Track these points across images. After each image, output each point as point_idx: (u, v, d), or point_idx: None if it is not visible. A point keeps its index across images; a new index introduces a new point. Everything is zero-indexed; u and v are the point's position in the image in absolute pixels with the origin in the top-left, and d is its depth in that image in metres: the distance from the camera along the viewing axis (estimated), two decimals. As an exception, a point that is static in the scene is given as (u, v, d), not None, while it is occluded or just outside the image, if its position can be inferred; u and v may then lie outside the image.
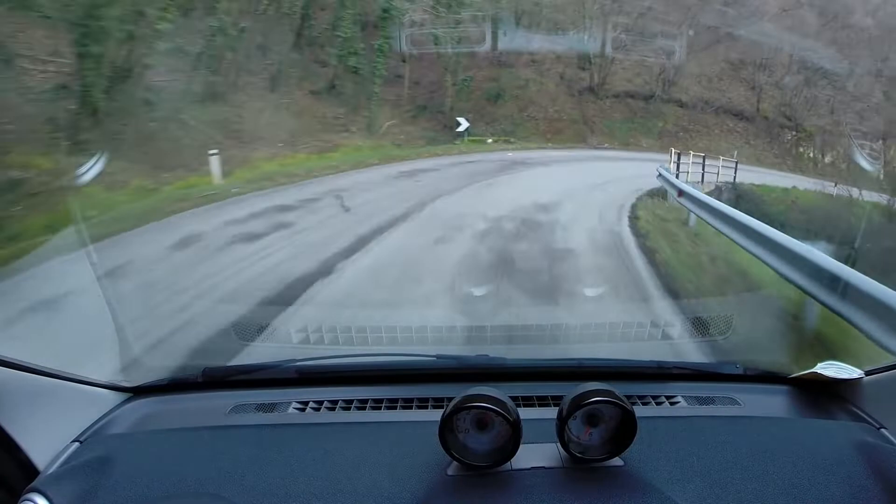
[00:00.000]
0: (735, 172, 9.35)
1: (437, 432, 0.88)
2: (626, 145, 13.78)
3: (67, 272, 3.29)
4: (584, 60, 14.44)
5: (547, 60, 14.59)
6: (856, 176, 13.42)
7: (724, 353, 2.30)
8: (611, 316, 3.43)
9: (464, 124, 12.62)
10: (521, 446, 0.89)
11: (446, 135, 12.59)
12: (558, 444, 0.91)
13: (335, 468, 0.92)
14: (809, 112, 14.88)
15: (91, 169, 4.99)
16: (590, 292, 3.88)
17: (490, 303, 3.55)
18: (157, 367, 1.69)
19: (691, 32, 13.28)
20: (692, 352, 2.42)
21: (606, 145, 13.61)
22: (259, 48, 11.24)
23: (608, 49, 13.32)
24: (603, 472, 0.91)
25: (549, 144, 13.19)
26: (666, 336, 2.59)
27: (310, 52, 12.38)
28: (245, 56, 10.86)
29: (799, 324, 3.08)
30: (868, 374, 1.18)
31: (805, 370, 1.25)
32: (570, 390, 0.91)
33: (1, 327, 2.58)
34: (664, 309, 3.57)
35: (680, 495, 0.87)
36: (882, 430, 1.09)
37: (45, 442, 0.98)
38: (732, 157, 12.46)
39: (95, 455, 0.96)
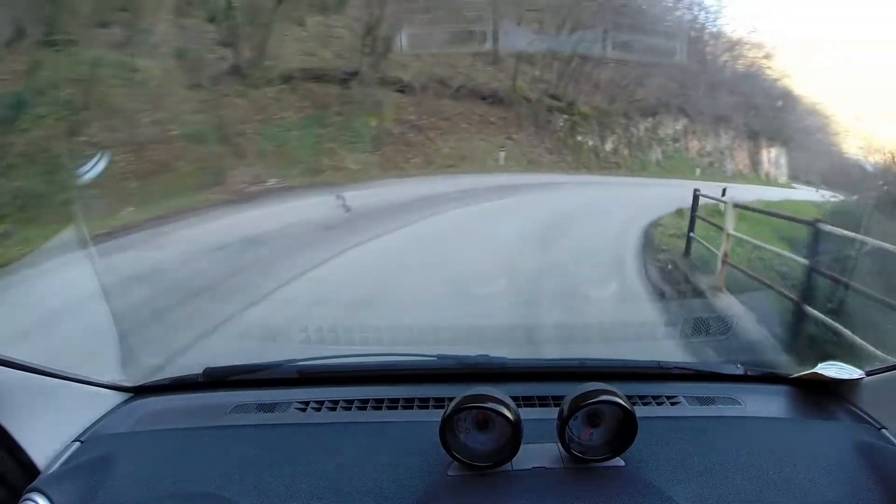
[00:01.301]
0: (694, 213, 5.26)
1: (437, 432, 0.88)
2: (317, 173, 6.73)
3: (68, 272, 3.29)
4: (220, 23, 7.33)
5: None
6: (642, 163, 11.93)
7: (724, 354, 2.30)
8: (611, 316, 3.43)
9: None
10: (522, 446, 0.89)
11: None
12: (559, 445, 0.91)
13: (336, 468, 0.92)
14: (579, 89, 11.30)
15: (93, 168, 4.98)
16: (590, 293, 3.88)
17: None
18: (158, 367, 1.69)
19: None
20: (693, 352, 2.42)
21: (276, 181, 6.13)
22: None
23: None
24: (604, 472, 0.91)
25: (125, 213, 5.10)
26: (666, 336, 2.59)
27: None
28: None
29: (799, 324, 3.08)
30: (869, 374, 1.18)
31: (806, 370, 1.25)
32: (571, 390, 0.91)
33: (2, 327, 2.58)
34: (665, 309, 3.57)
35: (681, 495, 0.87)
36: (883, 430, 1.09)
37: (46, 441, 0.98)
38: (498, 160, 8.58)
39: (96, 455, 0.96)
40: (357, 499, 0.86)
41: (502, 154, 9.23)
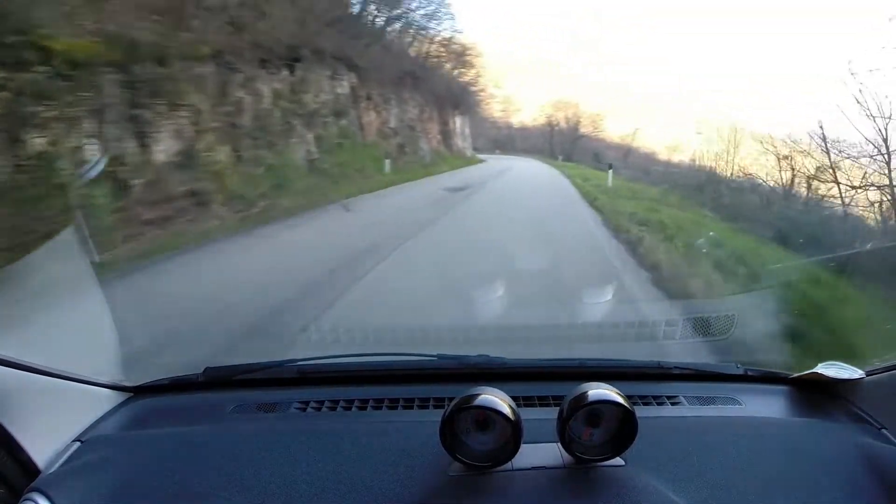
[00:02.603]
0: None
1: (437, 432, 0.88)
2: None
3: (68, 270, 3.28)
4: None
5: None
6: (279, 177, 6.52)
7: (725, 353, 2.30)
8: (611, 316, 3.42)
9: None
10: (522, 446, 0.89)
11: None
12: (559, 444, 0.91)
13: (336, 468, 0.92)
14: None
15: (93, 168, 4.98)
16: (591, 294, 3.87)
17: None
18: (159, 367, 1.68)
19: None
20: (693, 352, 2.41)
21: None
22: None
23: None
24: (604, 472, 0.91)
25: None
26: (667, 336, 2.58)
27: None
28: None
29: (800, 324, 3.08)
30: (869, 374, 1.18)
31: (806, 370, 1.25)
32: (571, 390, 0.91)
33: (1, 327, 2.57)
34: (665, 308, 3.56)
35: (681, 495, 0.87)
36: (883, 430, 1.09)
37: (47, 442, 0.98)
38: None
39: (96, 455, 0.96)
40: (357, 498, 0.86)
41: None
